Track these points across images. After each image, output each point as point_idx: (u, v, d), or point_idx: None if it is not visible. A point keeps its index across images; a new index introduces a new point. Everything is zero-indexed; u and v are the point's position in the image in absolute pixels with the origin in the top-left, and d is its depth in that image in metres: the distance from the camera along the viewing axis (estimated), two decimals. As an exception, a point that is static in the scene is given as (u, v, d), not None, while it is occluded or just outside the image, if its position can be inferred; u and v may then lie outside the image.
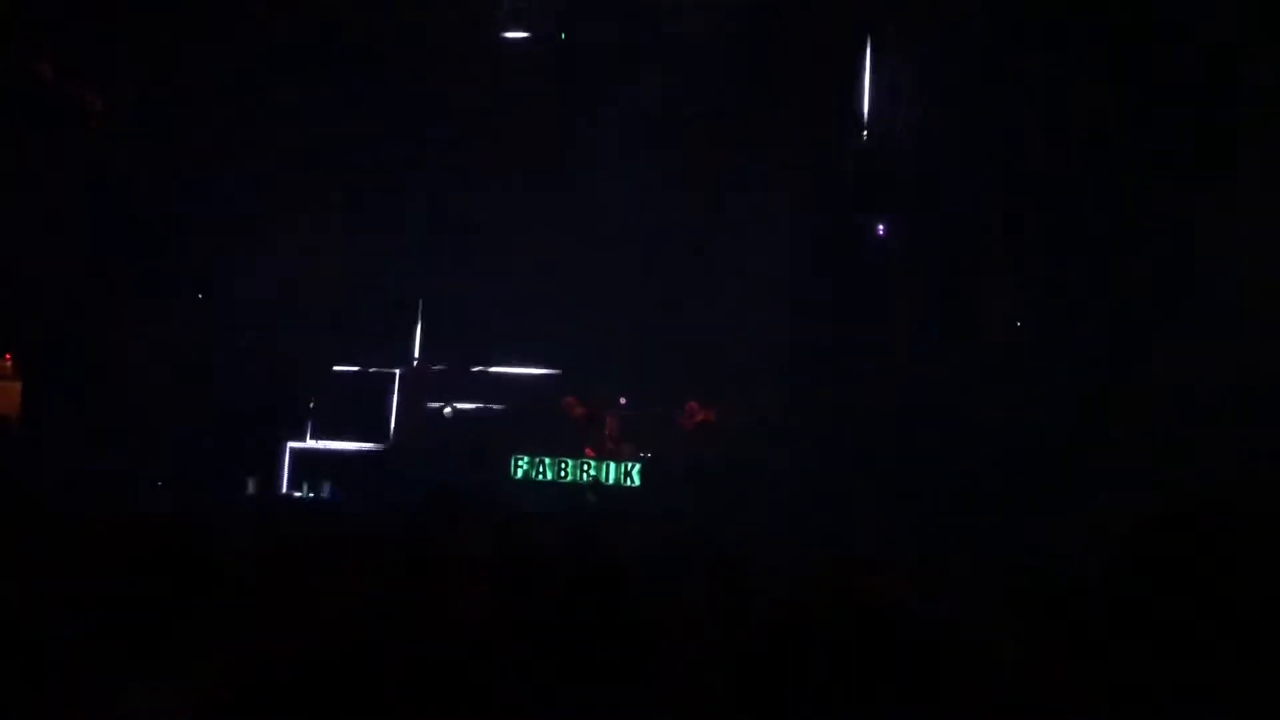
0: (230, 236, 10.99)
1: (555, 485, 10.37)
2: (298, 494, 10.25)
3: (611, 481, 10.35)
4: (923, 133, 11.01)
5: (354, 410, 11.18)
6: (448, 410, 11.06)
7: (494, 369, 11.73)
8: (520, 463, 10.49)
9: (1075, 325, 9.54)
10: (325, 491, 10.01)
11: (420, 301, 11.91)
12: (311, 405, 10.93)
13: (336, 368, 11.49)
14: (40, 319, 9.94)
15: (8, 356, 10.36)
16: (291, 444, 10.79)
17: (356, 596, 3.66)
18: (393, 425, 11.16)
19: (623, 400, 11.72)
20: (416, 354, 11.61)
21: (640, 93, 11.60)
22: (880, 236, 12.09)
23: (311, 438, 10.94)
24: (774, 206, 11.20)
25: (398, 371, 11.46)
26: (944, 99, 10.79)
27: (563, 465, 10.47)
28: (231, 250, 10.99)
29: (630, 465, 10.37)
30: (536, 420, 11.33)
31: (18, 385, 10.25)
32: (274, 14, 10.61)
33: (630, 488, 10.32)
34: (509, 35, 11.66)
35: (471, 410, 11.38)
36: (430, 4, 11.41)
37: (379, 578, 3.86)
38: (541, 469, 10.47)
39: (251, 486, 9.92)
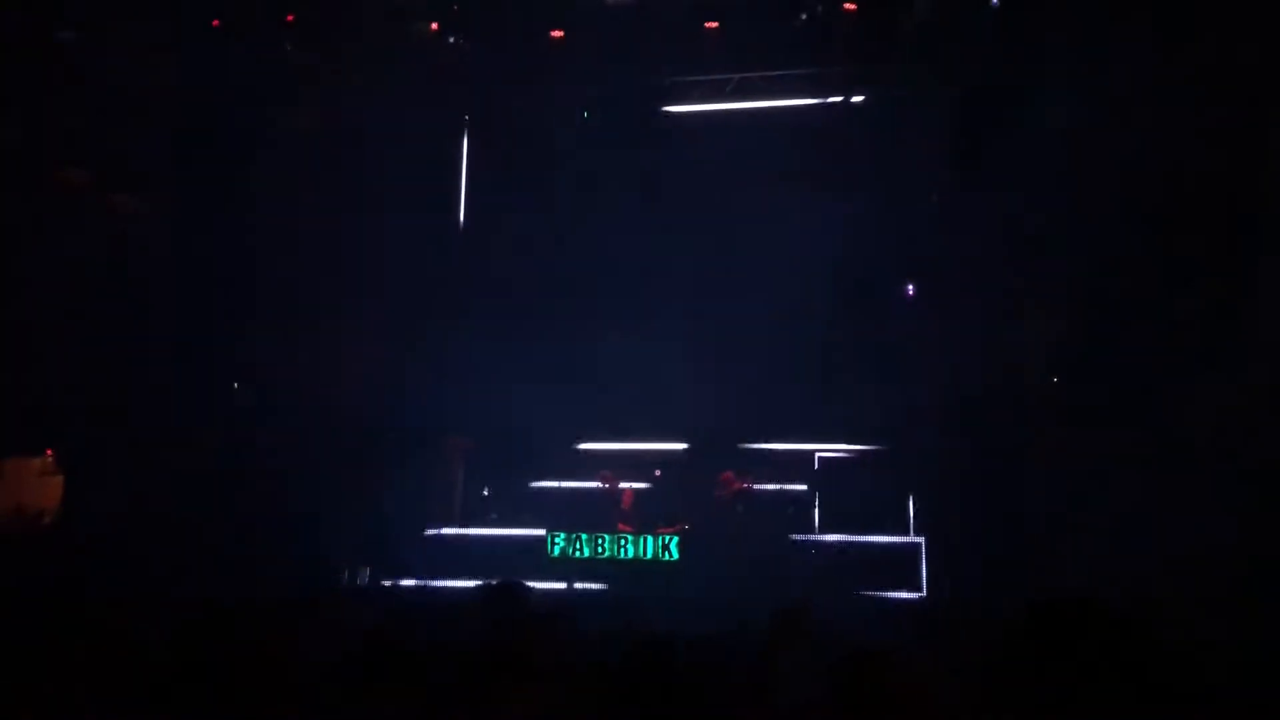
0: (275, 325, 11.07)
1: (593, 561, 10.29)
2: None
3: (649, 556, 10.25)
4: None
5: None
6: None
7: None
8: (558, 540, 10.42)
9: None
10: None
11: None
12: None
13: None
14: (82, 415, 10.06)
15: (49, 451, 10.52)
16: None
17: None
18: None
19: (657, 473, 11.68)
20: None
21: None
22: (910, 296, 12.12)
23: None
24: (817, 274, 11.28)
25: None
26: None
27: (599, 541, 10.39)
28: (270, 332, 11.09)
29: (667, 539, 10.27)
30: (568, 496, 11.31)
31: (59, 479, 10.40)
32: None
33: (668, 562, 10.20)
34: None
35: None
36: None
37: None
38: (579, 546, 10.39)
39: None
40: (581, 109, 12.17)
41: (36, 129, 9.70)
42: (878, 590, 9.63)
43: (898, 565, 9.95)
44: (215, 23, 10.24)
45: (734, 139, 11.96)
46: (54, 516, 10.41)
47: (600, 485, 11.14)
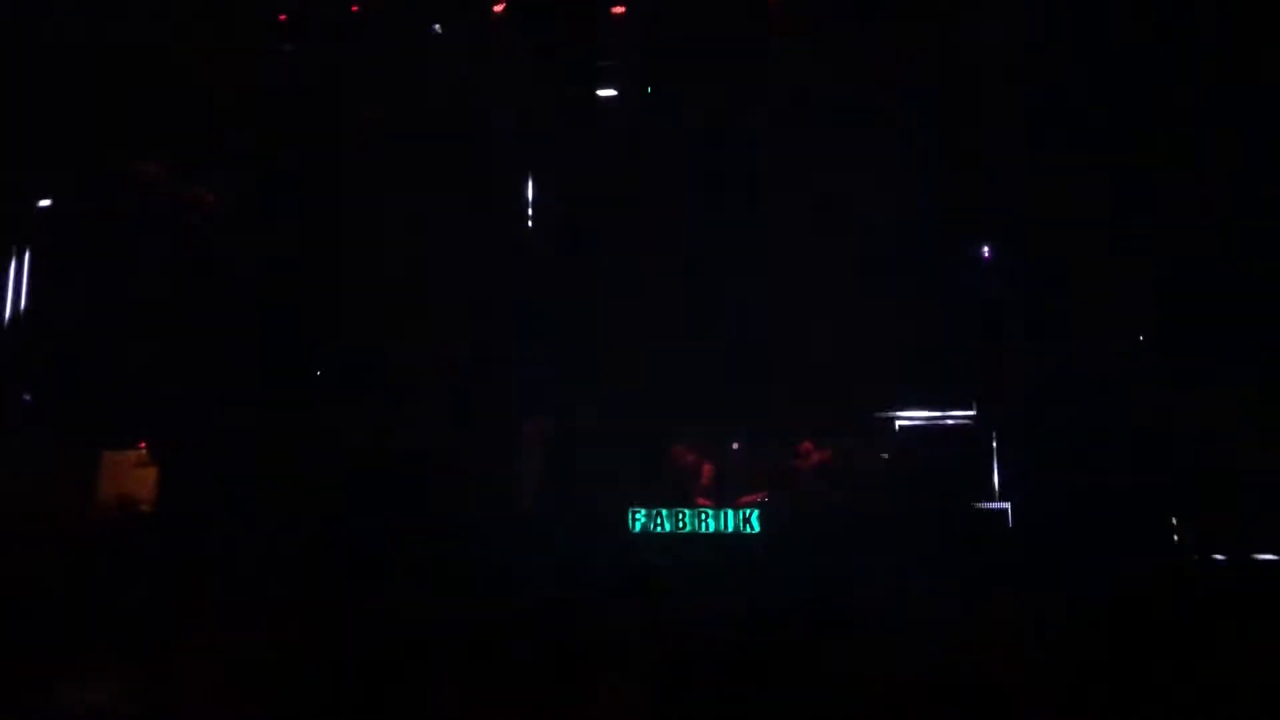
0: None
1: (675, 536, 10.27)
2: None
3: (731, 529, 10.20)
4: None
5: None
6: None
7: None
8: (638, 515, 10.42)
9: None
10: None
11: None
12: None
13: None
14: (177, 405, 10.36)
15: (142, 444, 10.86)
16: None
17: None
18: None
19: (735, 445, 11.61)
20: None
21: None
22: (987, 262, 11.81)
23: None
24: (877, 239, 11.08)
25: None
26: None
27: (680, 516, 10.36)
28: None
29: (748, 512, 10.21)
30: (647, 470, 11.29)
31: (153, 470, 10.74)
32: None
33: (750, 534, 10.14)
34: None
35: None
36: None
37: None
38: (660, 520, 10.38)
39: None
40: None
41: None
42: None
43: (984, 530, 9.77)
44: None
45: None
46: (151, 506, 10.75)
47: (678, 460, 11.12)
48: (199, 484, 10.32)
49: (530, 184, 12.26)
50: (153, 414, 10.41)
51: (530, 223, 12.24)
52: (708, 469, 10.98)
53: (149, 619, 6.91)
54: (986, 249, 11.88)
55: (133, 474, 11.13)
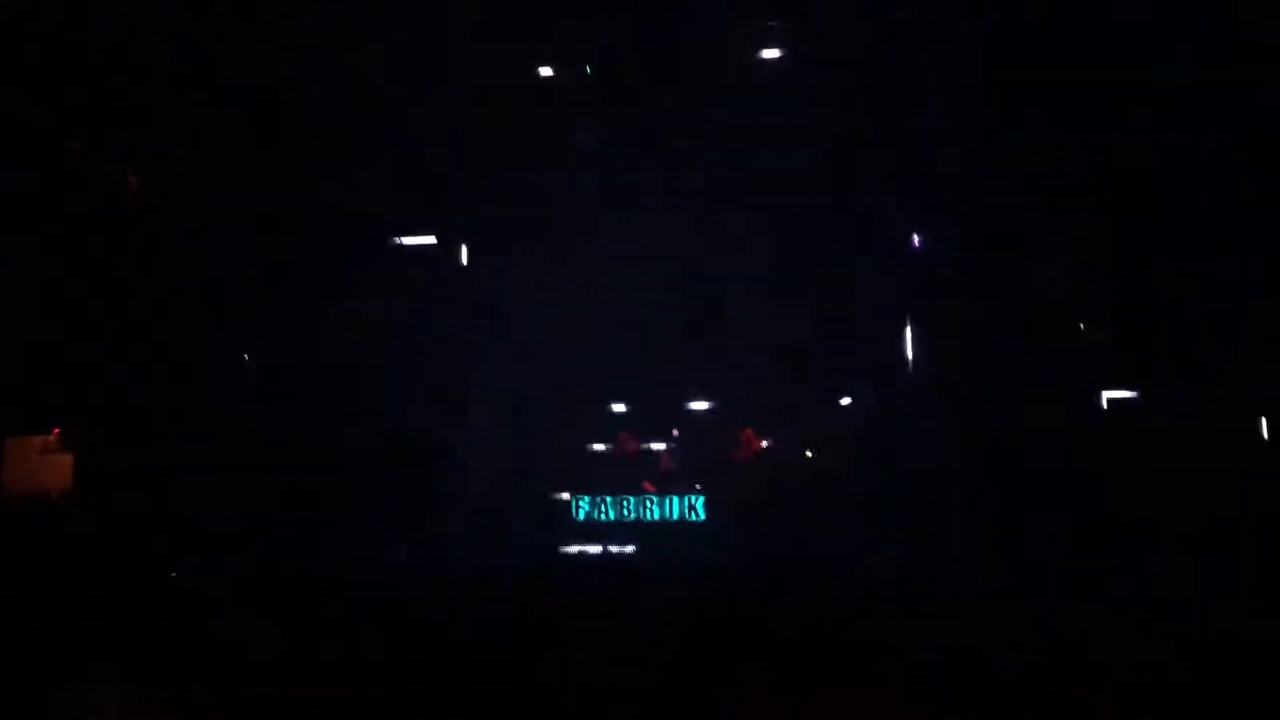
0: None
1: (620, 525, 10.20)
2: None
3: (676, 516, 10.18)
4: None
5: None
6: None
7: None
8: (582, 504, 10.32)
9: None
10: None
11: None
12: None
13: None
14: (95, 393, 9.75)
15: (55, 431, 10.20)
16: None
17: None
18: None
19: (675, 432, 11.60)
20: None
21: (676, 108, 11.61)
22: (922, 244, 12.01)
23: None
24: (821, 226, 11.16)
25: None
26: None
27: (624, 504, 10.30)
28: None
29: (694, 499, 10.21)
30: (590, 458, 11.20)
31: (69, 458, 10.10)
32: None
33: (695, 522, 10.14)
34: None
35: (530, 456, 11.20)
36: None
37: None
38: (604, 509, 10.30)
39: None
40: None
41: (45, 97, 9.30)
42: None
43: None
44: None
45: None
46: (61, 496, 10.12)
47: (620, 447, 11.05)
48: (118, 472, 9.75)
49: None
50: (69, 400, 9.77)
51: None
52: (652, 455, 10.93)
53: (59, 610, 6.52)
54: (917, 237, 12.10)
55: (39, 461, 10.49)
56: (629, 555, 9.88)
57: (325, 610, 7.07)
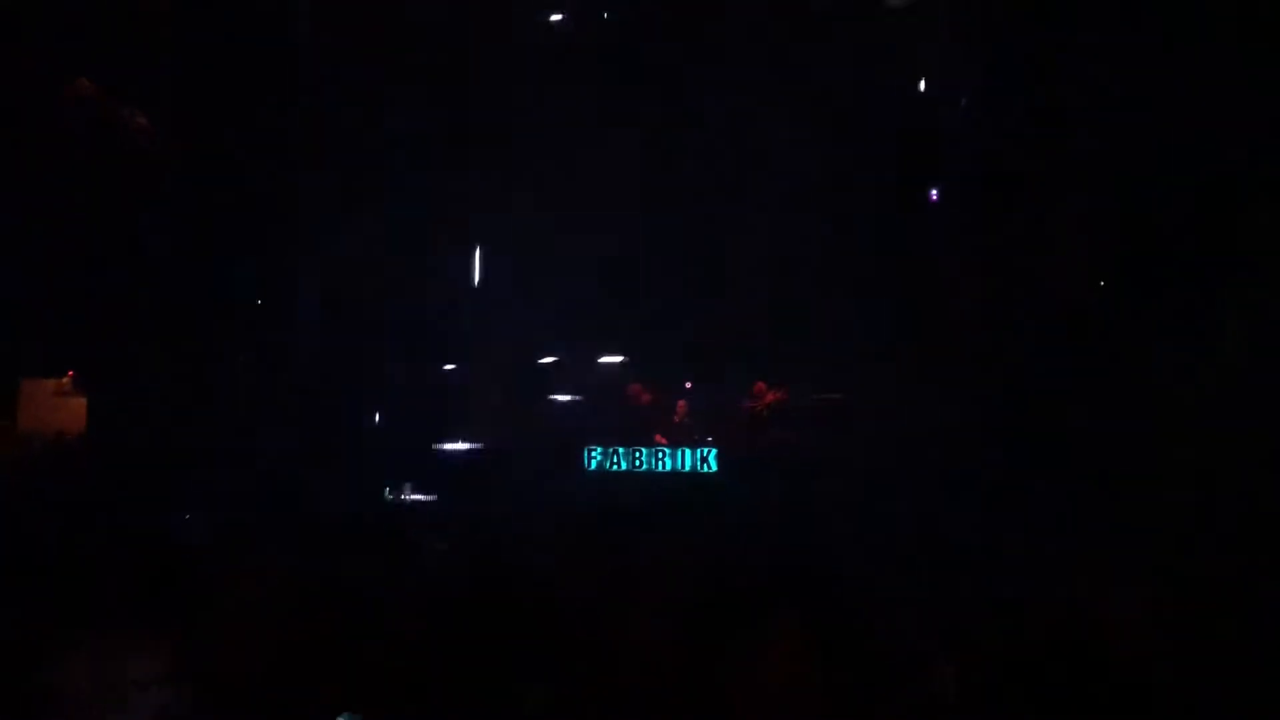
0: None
1: (632, 475, 10.21)
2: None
3: (688, 468, 10.19)
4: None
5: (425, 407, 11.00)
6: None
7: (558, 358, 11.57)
8: (594, 454, 10.33)
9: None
10: (408, 493, 9.79)
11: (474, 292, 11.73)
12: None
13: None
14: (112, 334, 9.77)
15: (70, 374, 10.21)
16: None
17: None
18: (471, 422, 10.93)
19: (688, 384, 11.58)
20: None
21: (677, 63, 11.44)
22: (935, 203, 11.91)
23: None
24: (829, 181, 11.06)
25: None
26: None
27: (637, 454, 10.31)
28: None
29: (706, 451, 10.20)
30: (605, 409, 11.19)
31: (82, 401, 10.13)
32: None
33: (708, 474, 10.16)
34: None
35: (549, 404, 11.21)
36: None
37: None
38: (616, 459, 10.31)
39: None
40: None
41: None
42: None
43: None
44: None
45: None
46: (76, 438, 10.16)
47: (632, 398, 11.04)
48: (131, 415, 9.79)
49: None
50: (82, 342, 9.80)
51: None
52: (681, 406, 10.95)
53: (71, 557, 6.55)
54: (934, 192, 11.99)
55: (53, 403, 10.53)
56: (642, 503, 9.91)
57: (332, 553, 7.08)
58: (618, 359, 11.79)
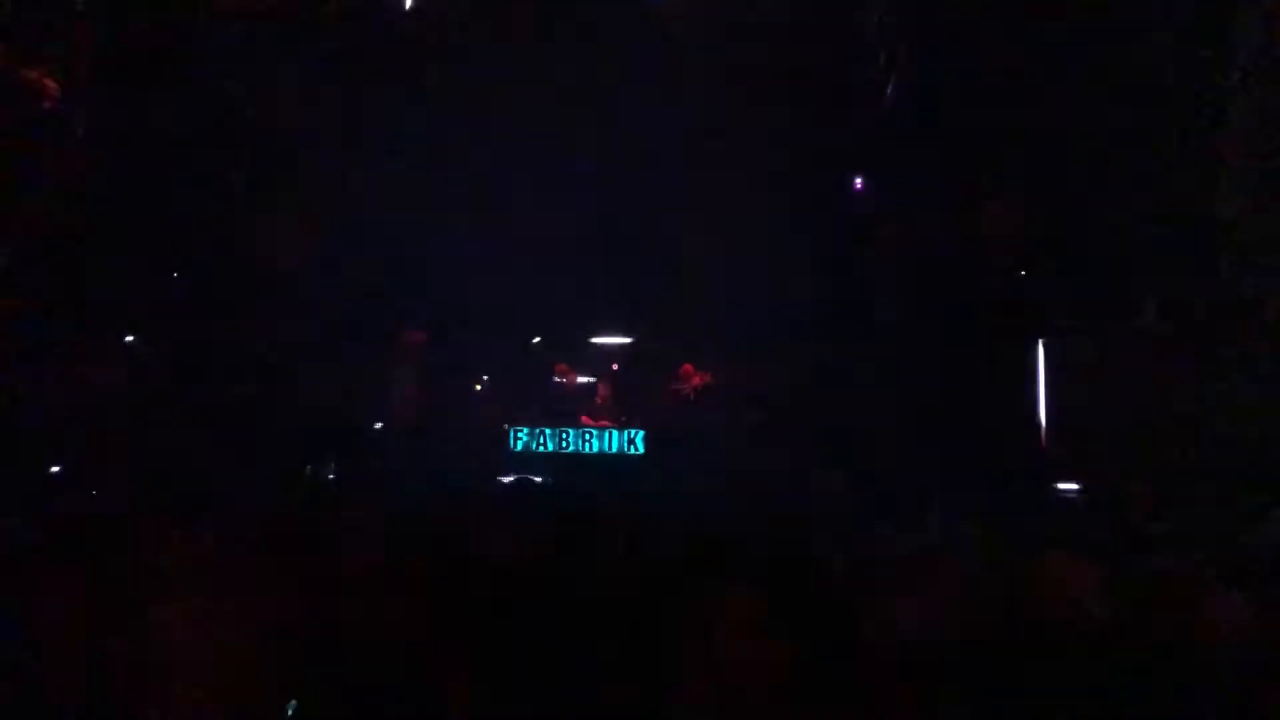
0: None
1: (558, 456, 10.09)
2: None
3: (615, 450, 10.12)
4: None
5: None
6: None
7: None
8: (520, 434, 10.19)
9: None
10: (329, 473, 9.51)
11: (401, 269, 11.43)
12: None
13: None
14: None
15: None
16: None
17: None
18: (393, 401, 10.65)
19: (615, 366, 11.51)
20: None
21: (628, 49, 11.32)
22: (863, 189, 11.99)
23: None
24: (762, 164, 11.06)
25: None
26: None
27: (564, 435, 10.20)
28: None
29: (633, 433, 10.15)
30: (530, 389, 11.05)
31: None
32: None
33: (634, 456, 10.10)
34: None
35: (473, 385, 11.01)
36: None
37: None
38: (542, 440, 10.18)
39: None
40: None
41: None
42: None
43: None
44: None
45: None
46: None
47: (559, 379, 10.93)
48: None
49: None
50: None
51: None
52: (601, 389, 10.84)
53: None
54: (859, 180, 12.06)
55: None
56: (569, 485, 9.81)
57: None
58: (543, 340, 11.66)
